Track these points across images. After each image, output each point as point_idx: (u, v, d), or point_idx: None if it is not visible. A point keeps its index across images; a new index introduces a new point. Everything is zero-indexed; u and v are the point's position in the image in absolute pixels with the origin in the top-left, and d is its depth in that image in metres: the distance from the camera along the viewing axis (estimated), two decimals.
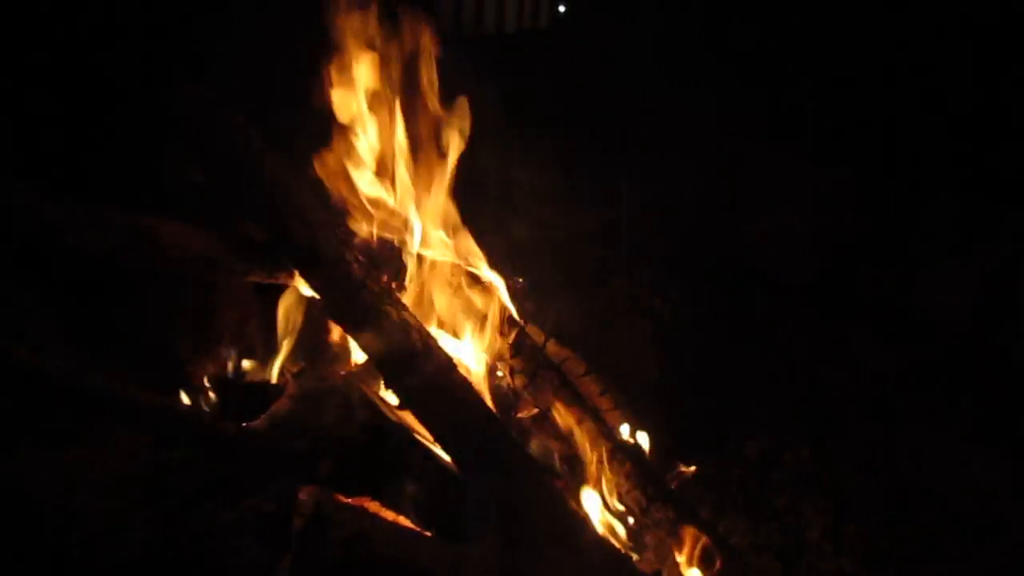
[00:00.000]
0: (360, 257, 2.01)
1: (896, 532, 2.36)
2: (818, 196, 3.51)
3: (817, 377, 3.01)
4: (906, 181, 3.42)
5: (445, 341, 2.09)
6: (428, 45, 2.14)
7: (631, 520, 2.09)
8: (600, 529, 2.00)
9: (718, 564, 1.93)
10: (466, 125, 2.17)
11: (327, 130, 2.11)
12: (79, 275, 2.16)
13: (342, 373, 2.06)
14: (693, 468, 2.36)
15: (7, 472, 1.78)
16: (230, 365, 2.29)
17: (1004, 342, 3.08)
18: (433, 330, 2.09)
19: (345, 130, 2.13)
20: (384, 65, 2.12)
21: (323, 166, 2.11)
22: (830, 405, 2.89)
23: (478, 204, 2.39)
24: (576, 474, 2.15)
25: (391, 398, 2.04)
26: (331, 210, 2.09)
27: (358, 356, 2.14)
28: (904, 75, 3.55)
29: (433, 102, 2.16)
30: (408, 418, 1.98)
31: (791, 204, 3.51)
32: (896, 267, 3.36)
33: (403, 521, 1.86)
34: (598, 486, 2.10)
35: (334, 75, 2.09)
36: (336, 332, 2.17)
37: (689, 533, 1.99)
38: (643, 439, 2.28)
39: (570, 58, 3.83)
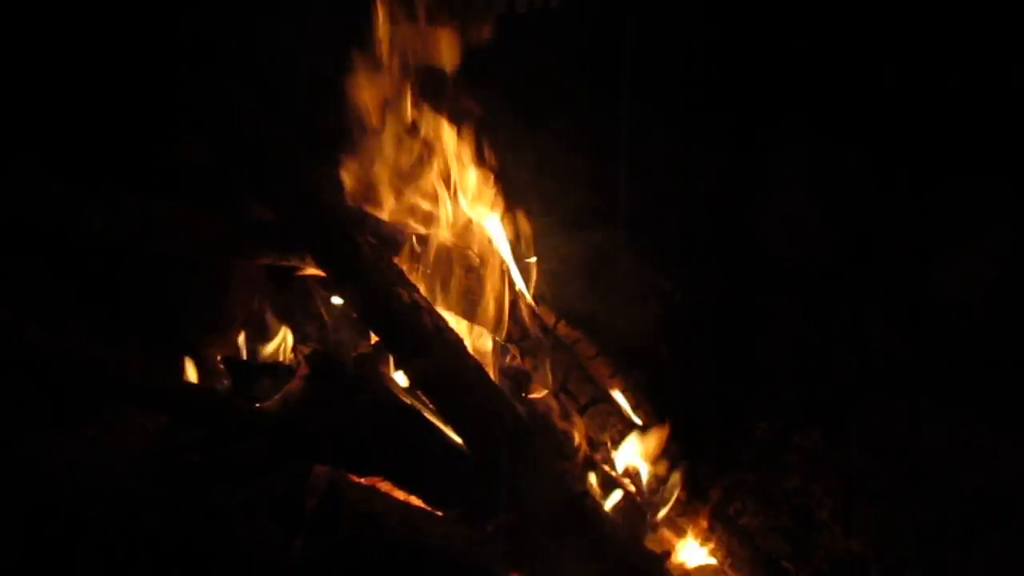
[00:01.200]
0: (371, 239, 2.01)
1: (907, 515, 2.36)
2: (831, 179, 3.47)
3: (829, 360, 3.00)
4: (922, 164, 3.38)
5: (456, 322, 2.10)
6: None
7: (641, 500, 2.09)
8: (611, 509, 2.01)
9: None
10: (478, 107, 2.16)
11: (341, 114, 2.11)
12: (93, 259, 2.17)
13: (354, 354, 2.07)
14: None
15: (25, 452, 1.81)
16: (242, 347, 2.31)
17: (1019, 326, 3.05)
18: (444, 311, 2.09)
19: (363, 114, 2.13)
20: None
21: (337, 149, 2.11)
22: (842, 388, 2.88)
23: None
24: (586, 455, 2.16)
25: (402, 379, 2.05)
26: (342, 192, 2.09)
27: (370, 337, 2.15)
28: (920, 55, 3.50)
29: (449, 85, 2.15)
30: (419, 399, 1.99)
31: (803, 187, 3.48)
32: (911, 251, 3.33)
33: (414, 501, 1.88)
34: (607, 467, 2.10)
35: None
36: (347, 313, 2.18)
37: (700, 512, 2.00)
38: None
39: (581, 37, 3.79)
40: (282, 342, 2.25)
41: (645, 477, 2.09)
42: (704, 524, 2.04)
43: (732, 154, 3.51)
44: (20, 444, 1.82)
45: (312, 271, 2.19)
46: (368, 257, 1.96)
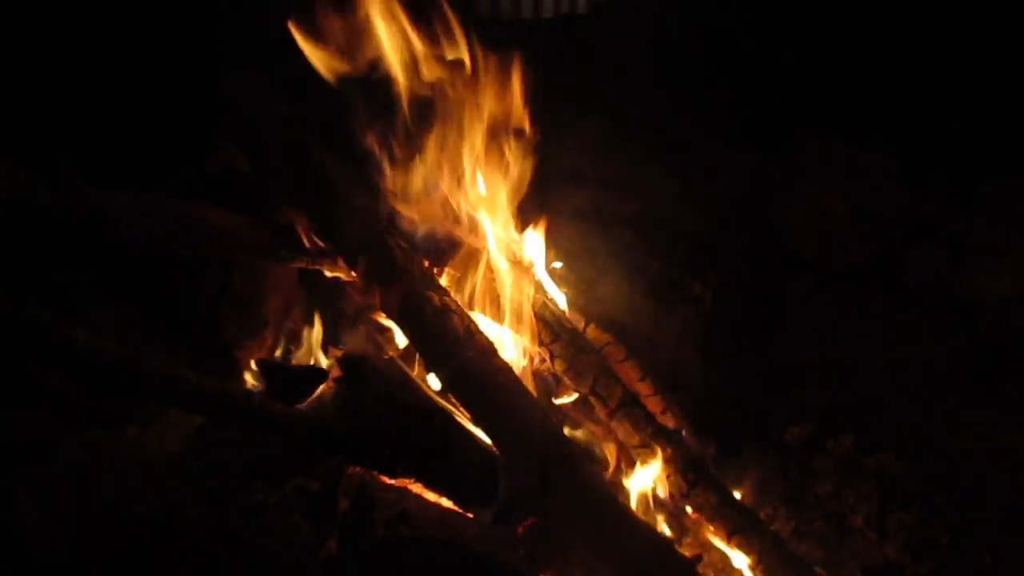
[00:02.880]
0: (402, 243, 2.04)
1: (941, 520, 2.32)
2: (862, 178, 3.43)
3: (861, 363, 2.96)
4: (956, 162, 3.33)
5: (486, 326, 2.11)
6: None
7: (672, 505, 2.09)
8: (641, 513, 2.01)
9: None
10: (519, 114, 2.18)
11: (374, 117, 2.13)
12: (131, 262, 2.22)
13: (385, 357, 2.09)
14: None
15: (68, 451, 1.85)
16: (276, 349, 2.34)
17: None
18: (474, 315, 2.11)
19: (394, 118, 2.15)
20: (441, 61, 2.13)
21: (368, 153, 2.13)
22: (874, 391, 2.85)
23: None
24: (616, 459, 2.16)
25: (433, 382, 2.07)
26: (374, 196, 2.11)
27: (401, 340, 2.17)
28: (951, 51, 3.45)
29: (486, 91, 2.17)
30: (450, 402, 2.01)
31: (834, 187, 3.44)
32: (944, 252, 3.28)
33: (445, 503, 1.89)
34: (638, 471, 2.10)
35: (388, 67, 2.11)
36: (379, 317, 2.20)
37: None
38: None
39: (609, 44, 3.79)
40: (315, 345, 2.27)
41: (674, 481, 2.08)
42: (734, 528, 2.03)
43: (762, 155, 3.48)
44: (63, 444, 1.87)
45: (343, 275, 2.21)
46: (399, 261, 1.99)
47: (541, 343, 2.19)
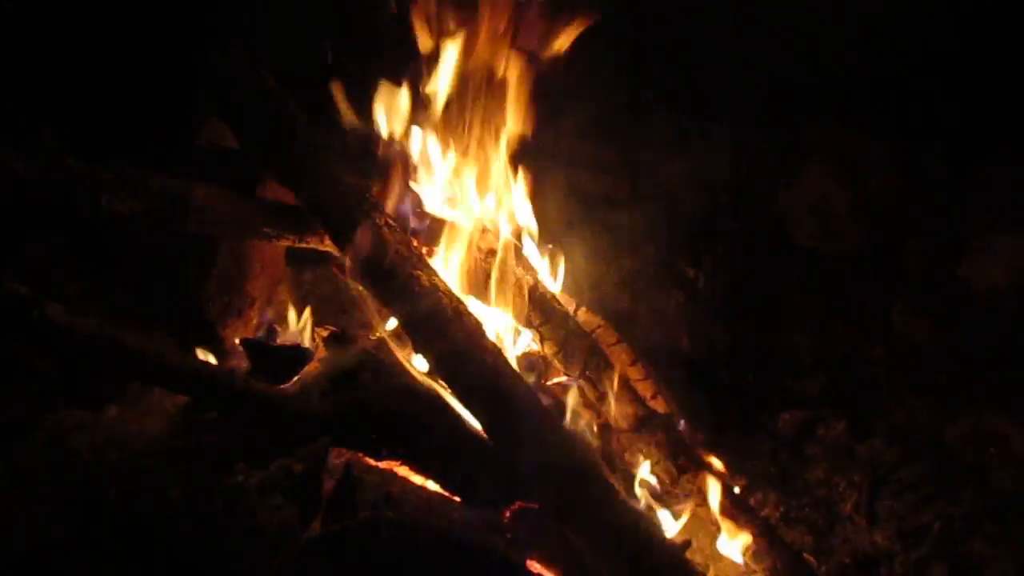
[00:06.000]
0: (390, 221, 2.00)
1: (932, 508, 2.32)
2: (860, 164, 3.40)
3: (854, 350, 2.95)
4: (954, 149, 3.30)
5: (475, 307, 2.08)
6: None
7: (661, 490, 2.07)
8: (631, 498, 1.99)
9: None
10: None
11: (362, 92, 2.10)
12: (113, 237, 2.18)
13: (372, 337, 2.06)
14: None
15: (47, 430, 1.82)
16: (261, 328, 2.31)
17: None
18: (463, 295, 2.08)
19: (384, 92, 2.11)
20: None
21: (357, 131, 2.09)
22: (867, 379, 2.83)
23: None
24: (606, 443, 2.14)
25: (421, 363, 2.04)
26: (362, 174, 2.07)
27: (389, 321, 2.14)
28: (951, 36, 3.41)
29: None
30: (438, 383, 1.98)
31: (831, 173, 3.41)
32: (942, 239, 3.26)
33: (431, 486, 1.87)
34: (628, 455, 2.09)
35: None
36: (367, 296, 2.17)
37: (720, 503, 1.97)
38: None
39: (601, 24, 3.74)
40: (302, 324, 2.24)
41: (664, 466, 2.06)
42: (725, 515, 2.01)
43: (760, 139, 3.45)
44: (43, 423, 1.84)
45: (332, 254, 2.18)
46: (387, 239, 1.95)
47: (531, 325, 2.17)
